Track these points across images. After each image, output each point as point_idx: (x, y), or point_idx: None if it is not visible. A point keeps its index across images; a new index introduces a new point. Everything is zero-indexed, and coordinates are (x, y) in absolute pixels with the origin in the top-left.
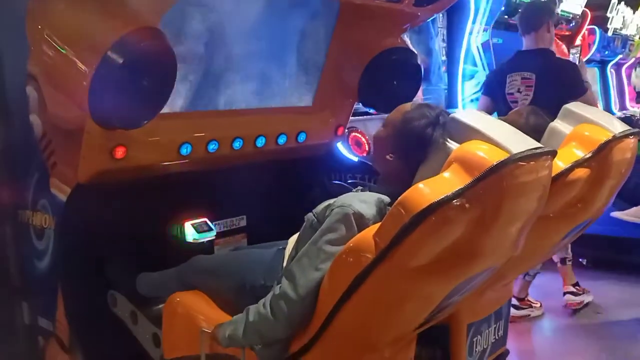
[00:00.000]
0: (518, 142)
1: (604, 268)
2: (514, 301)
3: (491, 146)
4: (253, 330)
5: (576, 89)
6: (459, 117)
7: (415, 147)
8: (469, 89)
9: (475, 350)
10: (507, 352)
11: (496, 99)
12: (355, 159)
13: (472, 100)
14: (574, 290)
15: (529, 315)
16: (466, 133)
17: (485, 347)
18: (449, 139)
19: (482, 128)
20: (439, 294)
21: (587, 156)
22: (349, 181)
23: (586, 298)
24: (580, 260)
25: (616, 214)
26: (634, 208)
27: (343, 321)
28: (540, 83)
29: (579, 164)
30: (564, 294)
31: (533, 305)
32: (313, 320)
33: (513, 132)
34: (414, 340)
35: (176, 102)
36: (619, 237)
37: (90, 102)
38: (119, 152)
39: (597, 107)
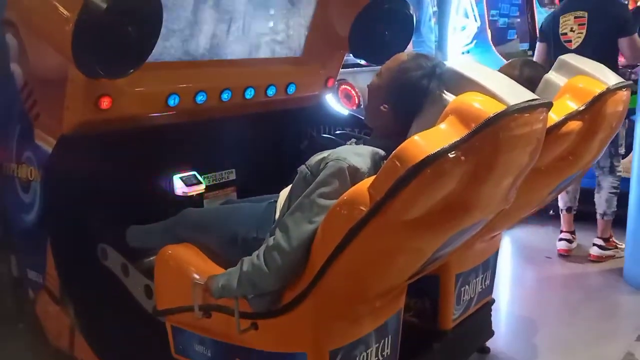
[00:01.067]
0: (515, 93)
1: (586, 220)
2: (599, 242)
3: (488, 98)
4: (247, 281)
5: (626, 28)
6: (456, 68)
7: (410, 98)
8: (459, 42)
9: (463, 299)
10: (492, 301)
11: (550, 44)
12: (345, 112)
13: (462, 53)
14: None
15: (614, 256)
16: (463, 84)
17: (472, 296)
18: (445, 91)
19: (479, 79)
20: (431, 247)
21: (581, 108)
22: (337, 132)
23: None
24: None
25: None
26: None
27: (336, 273)
28: (592, 21)
29: (572, 116)
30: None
31: (619, 246)
32: (306, 272)
33: (510, 84)
34: (405, 290)
35: (163, 52)
36: None
37: (74, 49)
38: (105, 103)
39: None
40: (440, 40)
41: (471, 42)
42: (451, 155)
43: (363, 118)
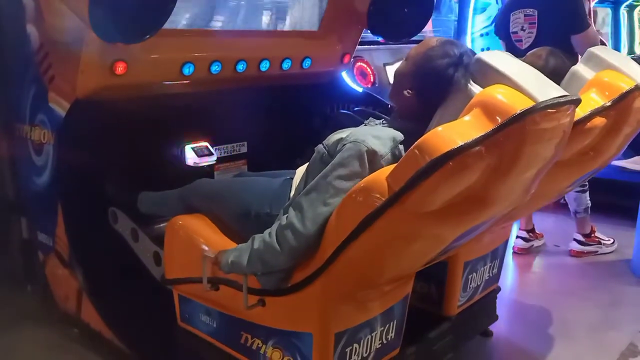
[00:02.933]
0: (543, 88)
1: (597, 210)
2: (581, 238)
3: (515, 92)
4: (257, 258)
5: (577, 24)
6: (484, 58)
7: (435, 86)
8: (479, 23)
9: (470, 287)
10: (498, 289)
11: (505, 40)
12: (360, 89)
13: (481, 35)
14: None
15: (597, 252)
16: (490, 75)
17: (479, 283)
18: (471, 81)
19: (507, 71)
20: (447, 239)
21: (607, 104)
22: (356, 109)
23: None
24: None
25: (619, 163)
26: (637, 157)
27: (348, 259)
28: (543, 19)
29: (597, 112)
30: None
31: (602, 241)
32: (317, 254)
33: (537, 77)
34: (413, 276)
35: (180, 19)
36: (617, 181)
37: (91, 11)
38: (120, 68)
39: (598, 45)
40: (460, 21)
41: (491, 24)
42: (474, 150)
43: (378, 96)
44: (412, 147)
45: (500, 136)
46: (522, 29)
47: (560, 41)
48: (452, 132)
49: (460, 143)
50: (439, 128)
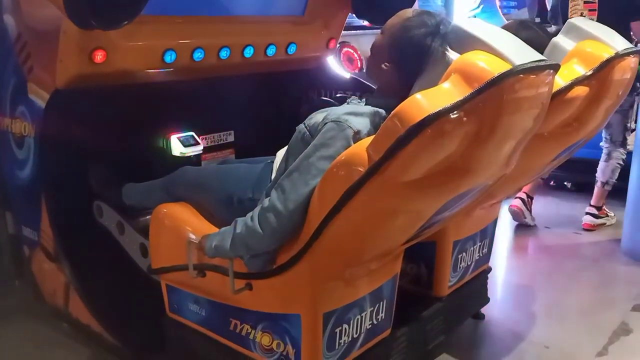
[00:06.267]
0: (521, 53)
1: (586, 191)
2: (593, 210)
3: (493, 57)
4: (240, 242)
5: (637, 10)
6: (461, 25)
7: (413, 57)
8: (467, 5)
9: (460, 267)
10: (489, 269)
11: (560, 27)
12: (347, 75)
13: (468, 17)
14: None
15: (605, 224)
16: (468, 42)
17: (469, 263)
18: (449, 49)
19: (484, 37)
20: (429, 210)
21: (588, 73)
22: (338, 95)
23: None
24: (564, 183)
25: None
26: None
27: (332, 235)
28: (603, 5)
29: (578, 81)
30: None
31: (609, 214)
32: (301, 233)
33: (517, 43)
34: (401, 255)
35: (159, 5)
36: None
37: None
38: (99, 56)
39: None
40: (446, 3)
41: (478, 7)
42: (453, 116)
43: (365, 81)
44: (390, 116)
45: (478, 100)
46: (582, 15)
47: (620, 28)
48: (430, 99)
49: (438, 109)
50: (417, 95)
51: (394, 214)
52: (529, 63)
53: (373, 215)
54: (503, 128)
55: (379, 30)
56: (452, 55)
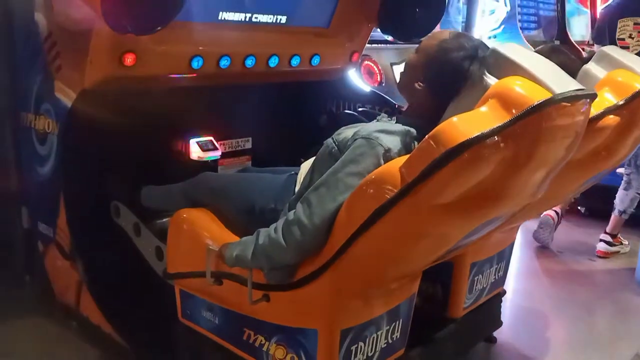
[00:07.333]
0: (560, 81)
1: (601, 217)
2: (607, 238)
3: (532, 83)
4: (262, 254)
5: None
6: (501, 50)
7: (449, 80)
8: (488, 25)
9: (475, 288)
10: (503, 292)
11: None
12: (367, 89)
13: (489, 38)
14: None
15: (619, 252)
16: (506, 67)
17: (485, 285)
18: (486, 73)
19: (523, 63)
20: (457, 234)
21: (620, 103)
22: (360, 109)
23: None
24: (579, 208)
25: (622, 171)
26: None
27: (357, 253)
28: None
29: (610, 110)
30: (600, 240)
31: (624, 242)
32: (324, 249)
33: (554, 69)
34: (420, 276)
35: (191, 11)
36: (618, 188)
37: (103, 1)
38: (128, 59)
39: None
40: (467, 22)
41: (499, 27)
42: (490, 141)
43: (384, 95)
44: (426, 137)
45: (517, 127)
46: (630, 37)
47: None
48: (468, 123)
49: (476, 134)
50: (454, 118)
51: (421, 236)
52: (569, 92)
53: (400, 236)
54: (539, 156)
55: (400, 46)
56: (490, 79)
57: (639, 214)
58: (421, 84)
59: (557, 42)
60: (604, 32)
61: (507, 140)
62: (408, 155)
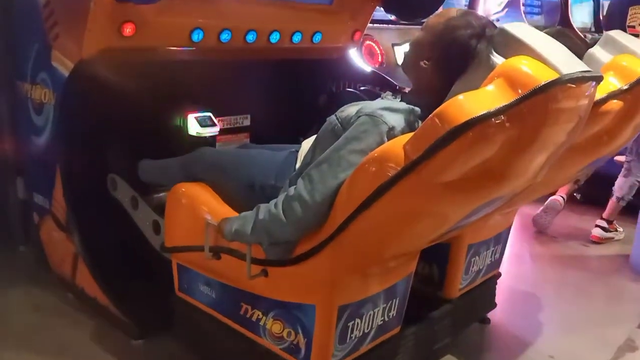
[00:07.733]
0: (567, 61)
1: (596, 204)
2: (603, 223)
3: (540, 63)
4: (261, 229)
5: None
6: (509, 29)
7: (456, 58)
8: (492, 7)
9: (472, 270)
10: (499, 275)
11: None
12: (368, 69)
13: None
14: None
15: (613, 238)
16: (513, 47)
17: (481, 267)
18: (493, 52)
19: (532, 43)
20: (458, 214)
21: (624, 87)
22: (362, 87)
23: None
24: (574, 195)
25: (619, 159)
26: None
27: (357, 230)
28: None
29: (614, 95)
30: (596, 225)
31: (618, 229)
32: (325, 226)
33: (561, 50)
34: (417, 255)
35: None
36: (613, 175)
37: None
38: (128, 29)
39: None
40: (470, 5)
41: (502, 11)
42: (495, 120)
43: (385, 76)
44: (431, 115)
45: (523, 107)
46: None
47: None
48: (473, 101)
49: (482, 112)
50: (460, 96)
51: (422, 215)
52: (576, 73)
53: (401, 214)
54: (543, 137)
55: (402, 26)
56: (497, 59)
57: (635, 202)
58: (427, 62)
59: (558, 27)
60: (614, 19)
61: (513, 120)
62: (412, 133)
